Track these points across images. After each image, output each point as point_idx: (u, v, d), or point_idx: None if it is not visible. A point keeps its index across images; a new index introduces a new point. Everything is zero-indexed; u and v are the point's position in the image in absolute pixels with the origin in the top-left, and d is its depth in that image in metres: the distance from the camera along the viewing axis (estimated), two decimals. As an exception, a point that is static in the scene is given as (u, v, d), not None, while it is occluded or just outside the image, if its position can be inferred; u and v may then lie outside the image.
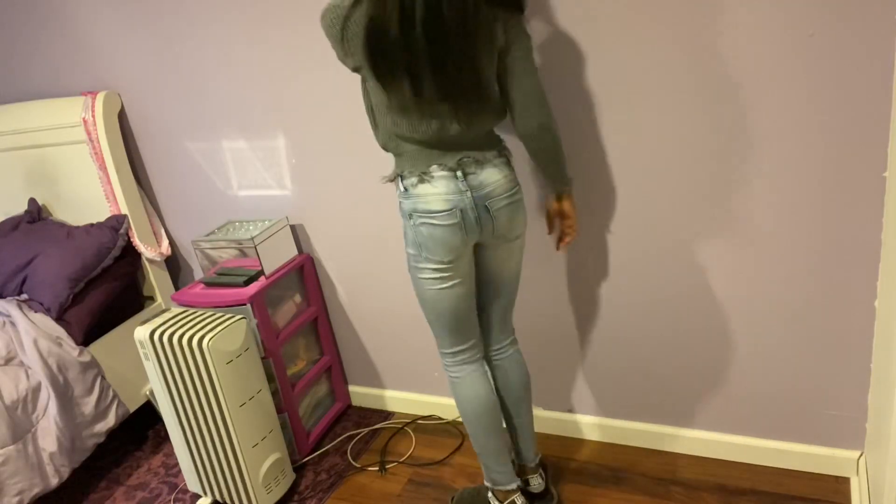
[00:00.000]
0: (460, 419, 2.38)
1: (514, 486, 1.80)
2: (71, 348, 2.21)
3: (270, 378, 2.18)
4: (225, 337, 1.92)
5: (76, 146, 2.46)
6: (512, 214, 1.61)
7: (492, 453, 1.78)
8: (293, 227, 2.36)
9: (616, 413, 2.13)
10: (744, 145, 1.63)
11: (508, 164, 1.62)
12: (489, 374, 1.81)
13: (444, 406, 2.40)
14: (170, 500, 2.26)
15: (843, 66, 1.48)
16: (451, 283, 1.63)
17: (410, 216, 1.57)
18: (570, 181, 1.70)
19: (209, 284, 2.22)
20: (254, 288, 2.13)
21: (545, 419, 2.24)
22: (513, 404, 1.83)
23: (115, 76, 2.41)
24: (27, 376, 2.11)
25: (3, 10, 2.49)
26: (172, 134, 2.42)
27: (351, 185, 2.18)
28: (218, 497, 2.14)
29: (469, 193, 1.54)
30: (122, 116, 2.45)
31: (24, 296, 2.35)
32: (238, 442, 1.98)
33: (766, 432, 1.93)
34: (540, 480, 1.90)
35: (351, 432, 2.44)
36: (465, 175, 1.53)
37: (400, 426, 2.43)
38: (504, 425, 1.84)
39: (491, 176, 1.55)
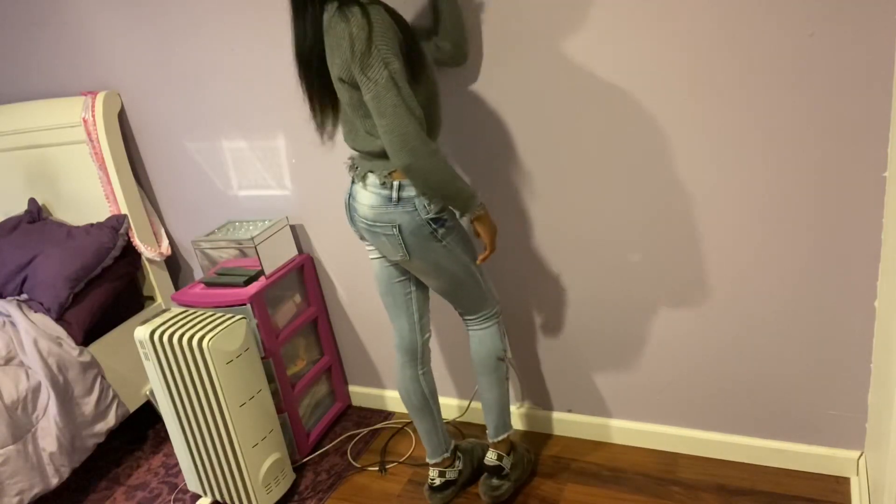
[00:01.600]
0: (460, 419, 2.39)
1: (432, 460, 2.00)
2: (71, 348, 2.21)
3: (270, 378, 2.18)
4: (225, 337, 1.92)
5: (76, 146, 2.47)
6: (374, 240, 1.70)
7: (421, 432, 1.98)
8: (293, 227, 2.36)
9: (616, 413, 2.13)
10: (743, 145, 1.63)
11: (388, 198, 1.59)
12: (418, 370, 1.93)
13: (443, 406, 2.39)
14: (170, 500, 2.26)
15: (843, 66, 1.48)
16: (371, 257, 1.83)
17: None
18: (470, 208, 1.59)
19: (209, 284, 2.22)
20: (254, 288, 2.13)
21: (546, 419, 2.24)
22: (477, 375, 1.91)
23: (115, 76, 2.41)
24: (27, 376, 2.11)
25: (3, 10, 2.49)
26: (172, 134, 2.41)
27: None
28: (218, 497, 2.14)
29: (347, 197, 1.73)
30: (122, 116, 2.46)
31: (25, 296, 2.35)
32: (238, 442, 1.98)
33: (765, 432, 1.93)
34: (493, 456, 1.95)
35: (351, 432, 2.44)
36: (353, 180, 1.70)
37: (400, 426, 2.43)
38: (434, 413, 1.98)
39: (359, 195, 1.67)
